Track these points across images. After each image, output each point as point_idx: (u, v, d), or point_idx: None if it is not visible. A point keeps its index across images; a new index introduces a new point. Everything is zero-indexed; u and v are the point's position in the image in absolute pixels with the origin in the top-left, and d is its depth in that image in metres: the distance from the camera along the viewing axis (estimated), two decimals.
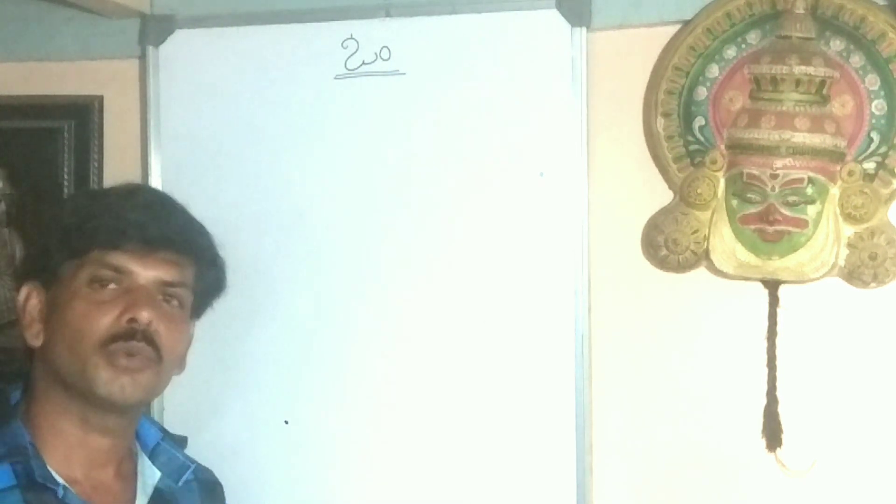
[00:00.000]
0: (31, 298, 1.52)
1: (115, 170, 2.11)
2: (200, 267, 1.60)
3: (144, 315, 1.48)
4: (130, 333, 1.47)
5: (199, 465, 1.67)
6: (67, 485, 1.46)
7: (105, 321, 1.47)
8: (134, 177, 2.07)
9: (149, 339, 1.48)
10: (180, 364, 1.60)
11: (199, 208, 2.04)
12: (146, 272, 1.51)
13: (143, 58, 2.09)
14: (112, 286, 1.49)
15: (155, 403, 2.02)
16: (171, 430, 1.69)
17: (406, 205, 1.97)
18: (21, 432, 1.47)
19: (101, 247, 1.49)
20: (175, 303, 1.55)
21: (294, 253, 2.01)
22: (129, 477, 1.57)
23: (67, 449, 1.50)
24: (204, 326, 2.06)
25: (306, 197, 2.01)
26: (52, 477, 1.45)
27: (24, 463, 1.44)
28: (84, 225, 1.51)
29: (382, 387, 1.97)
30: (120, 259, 1.49)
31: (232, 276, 2.02)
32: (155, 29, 2.07)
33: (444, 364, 1.95)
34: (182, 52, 2.06)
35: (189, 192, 2.03)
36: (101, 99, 2.14)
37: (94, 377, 1.46)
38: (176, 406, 2.03)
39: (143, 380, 1.49)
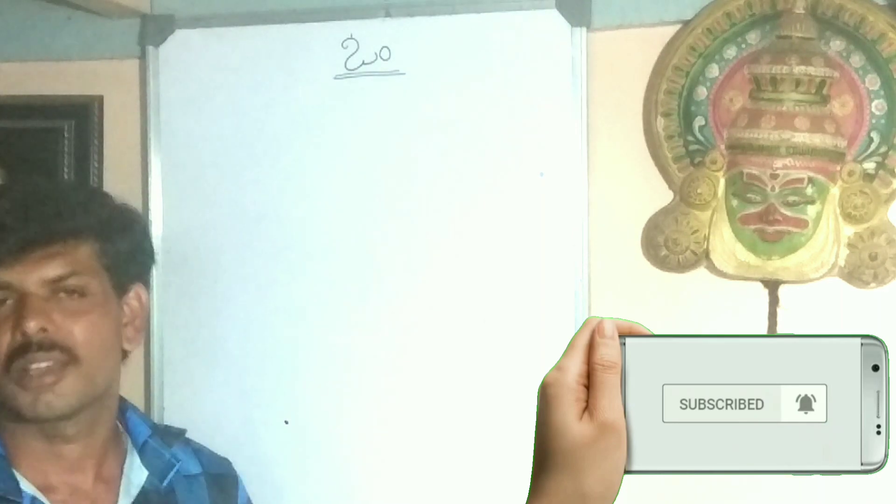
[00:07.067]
0: None
1: (115, 170, 2.11)
2: (101, 240, 1.49)
3: (31, 325, 1.40)
4: (25, 347, 1.40)
5: (211, 456, 1.64)
6: (40, 494, 1.43)
7: (2, 342, 1.41)
8: (134, 177, 2.07)
9: (48, 345, 1.41)
10: (131, 341, 1.53)
11: (199, 208, 2.06)
12: (26, 277, 1.42)
13: (143, 58, 2.08)
14: (9, 301, 1.42)
15: (155, 403, 2.03)
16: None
17: (406, 205, 1.97)
18: None
19: None
20: (76, 294, 1.45)
21: (294, 252, 2.01)
22: (111, 479, 1.51)
23: (37, 459, 1.46)
24: (203, 326, 2.06)
25: (306, 197, 2.01)
26: (17, 489, 1.42)
27: None
28: None
29: (382, 387, 1.97)
30: None
31: (232, 276, 2.03)
32: (155, 29, 2.06)
33: (443, 364, 1.95)
34: (182, 52, 2.05)
35: (189, 192, 2.06)
36: (101, 99, 2.13)
37: (14, 402, 1.42)
38: (176, 406, 2.03)
39: (66, 388, 1.42)
